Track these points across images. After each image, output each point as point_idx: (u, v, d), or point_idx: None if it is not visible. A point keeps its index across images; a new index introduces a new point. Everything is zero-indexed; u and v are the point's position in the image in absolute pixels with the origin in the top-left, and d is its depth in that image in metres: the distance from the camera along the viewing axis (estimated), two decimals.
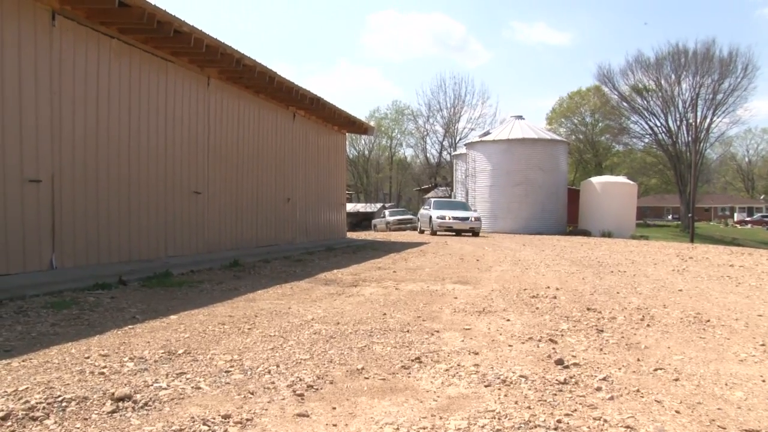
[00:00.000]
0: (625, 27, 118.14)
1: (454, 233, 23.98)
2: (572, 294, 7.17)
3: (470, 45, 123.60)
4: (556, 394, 3.28)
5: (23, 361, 3.76)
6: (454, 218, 23.67)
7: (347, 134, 20.15)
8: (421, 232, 26.69)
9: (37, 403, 2.94)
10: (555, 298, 6.81)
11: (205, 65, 10.76)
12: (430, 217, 24.39)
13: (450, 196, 39.80)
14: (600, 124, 63.04)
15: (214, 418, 2.82)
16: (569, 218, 31.50)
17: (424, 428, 2.76)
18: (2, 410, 2.81)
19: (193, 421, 2.78)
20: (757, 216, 73.23)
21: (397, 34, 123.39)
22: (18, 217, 7.04)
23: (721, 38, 71.40)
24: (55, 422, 2.74)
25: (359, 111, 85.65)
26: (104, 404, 2.97)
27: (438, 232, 24.11)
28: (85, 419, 2.80)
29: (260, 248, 12.85)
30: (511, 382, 3.47)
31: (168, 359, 3.88)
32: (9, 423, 2.72)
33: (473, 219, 24.02)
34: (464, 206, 26.46)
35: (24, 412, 2.82)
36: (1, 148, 6.80)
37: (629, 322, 5.42)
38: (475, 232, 23.88)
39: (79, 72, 7.95)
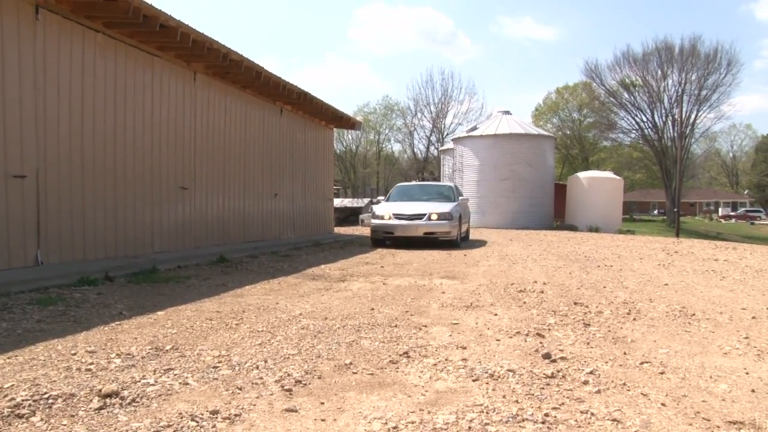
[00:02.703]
0: (612, 22, 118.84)
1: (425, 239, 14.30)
2: (559, 288, 7.21)
3: (458, 39, 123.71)
4: (543, 388, 3.30)
5: (8, 358, 3.73)
6: (402, 216, 14.18)
7: (335, 129, 20.11)
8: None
9: (23, 400, 2.91)
10: (542, 292, 6.84)
11: (191, 60, 10.70)
12: (373, 214, 15.15)
13: None
14: (587, 120, 63.34)
15: (202, 414, 2.81)
16: (556, 213, 31.64)
17: (412, 422, 2.77)
18: None
19: (181, 417, 2.77)
20: (741, 211, 73.97)
21: (384, 28, 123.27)
22: (2, 213, 6.97)
23: (706, 34, 72.03)
24: (42, 419, 2.72)
25: (348, 106, 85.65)
26: (91, 401, 2.95)
27: (385, 240, 14.67)
28: (72, 416, 2.78)
29: (247, 244, 12.81)
30: (499, 377, 3.49)
31: (155, 355, 3.86)
32: None
33: (441, 215, 14.05)
34: (443, 194, 16.24)
35: (9, 410, 2.79)
36: None
37: (616, 316, 5.45)
38: (450, 239, 14.15)
39: (63, 66, 7.87)
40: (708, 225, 56.00)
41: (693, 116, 48.19)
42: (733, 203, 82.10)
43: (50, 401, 2.93)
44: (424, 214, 14.07)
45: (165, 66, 10.12)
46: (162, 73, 10.06)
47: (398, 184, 17.72)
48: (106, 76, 8.68)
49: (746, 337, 4.67)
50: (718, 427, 2.80)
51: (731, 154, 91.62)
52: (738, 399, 3.21)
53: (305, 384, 3.33)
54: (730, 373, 3.68)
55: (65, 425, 2.67)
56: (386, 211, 14.52)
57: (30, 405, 2.87)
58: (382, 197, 17.58)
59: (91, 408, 2.87)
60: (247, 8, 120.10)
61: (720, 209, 79.27)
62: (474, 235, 20.02)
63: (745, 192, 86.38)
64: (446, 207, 14.51)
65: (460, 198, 16.19)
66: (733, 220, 66.21)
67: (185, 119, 10.75)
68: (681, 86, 47.32)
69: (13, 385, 3.17)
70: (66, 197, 7.94)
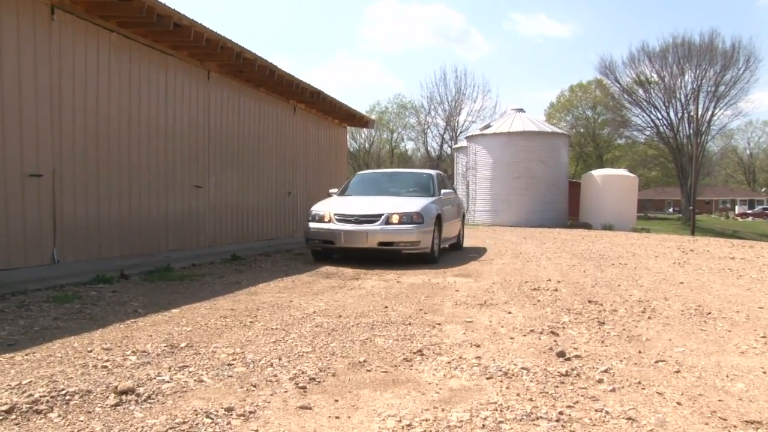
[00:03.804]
0: (626, 18, 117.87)
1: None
2: (573, 287, 7.18)
3: (470, 36, 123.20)
4: (557, 386, 3.29)
5: (26, 355, 3.77)
6: (347, 218, 9.93)
7: (348, 127, 20.12)
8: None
9: (40, 396, 2.95)
10: (556, 290, 6.81)
11: (205, 59, 10.74)
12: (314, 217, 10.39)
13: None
14: (601, 117, 62.94)
15: (217, 411, 2.83)
16: (570, 211, 31.48)
17: (426, 420, 2.77)
18: (6, 404, 2.82)
19: (197, 414, 2.79)
20: (758, 209, 73.20)
21: (395, 26, 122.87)
22: (19, 212, 7.04)
23: (723, 30, 71.11)
24: (59, 415, 2.75)
25: (360, 104, 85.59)
26: (107, 397, 2.98)
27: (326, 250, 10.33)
28: (89, 412, 2.81)
29: (261, 242, 12.85)
30: (513, 375, 3.48)
31: (170, 352, 3.89)
32: (13, 416, 2.73)
33: (405, 217, 9.78)
34: (421, 184, 11.72)
35: (28, 406, 2.83)
36: (2, 142, 6.80)
37: (630, 315, 5.42)
38: (420, 251, 9.90)
39: (78, 66, 7.94)
40: (724, 223, 55.48)
41: (709, 113, 47.75)
42: (750, 201, 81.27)
43: (67, 398, 2.96)
44: (381, 215, 9.61)
45: (179, 65, 10.17)
46: (176, 72, 10.11)
47: (359, 172, 12.97)
48: (120, 76, 8.74)
49: (763, 336, 4.63)
50: (735, 426, 2.78)
51: (748, 152, 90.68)
52: (755, 398, 3.18)
53: (319, 381, 3.34)
54: (747, 373, 3.65)
55: (82, 421, 2.70)
56: (326, 209, 10.11)
57: (48, 401, 2.90)
58: (335, 190, 12.08)
59: (107, 405, 2.90)
60: (257, 7, 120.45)
61: (737, 207, 78.50)
62: (487, 233, 19.79)
63: (763, 190, 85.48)
64: (415, 204, 10.04)
65: (443, 191, 11.38)
66: (750, 218, 65.57)
67: (199, 118, 10.80)
68: (697, 83, 46.89)
69: (31, 381, 3.20)
70: (81, 196, 8.01)
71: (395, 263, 9.83)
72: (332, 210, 10.10)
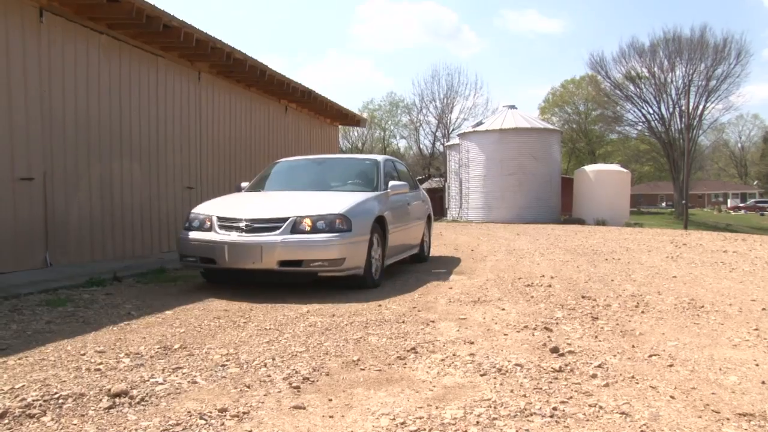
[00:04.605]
0: (617, 13, 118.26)
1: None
2: (567, 282, 7.19)
3: (462, 34, 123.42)
4: (551, 382, 3.29)
5: (19, 359, 3.76)
6: (235, 224, 6.51)
7: (340, 126, 20.12)
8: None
9: (33, 400, 2.93)
10: (550, 286, 6.83)
11: (195, 60, 10.72)
12: (191, 222, 6.91)
13: (445, 189, 37.35)
14: (593, 113, 63.07)
15: (210, 412, 2.83)
16: (563, 207, 31.55)
17: (420, 418, 2.77)
18: None
19: (190, 416, 2.78)
20: (750, 202, 73.53)
21: (387, 24, 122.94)
22: (10, 216, 7.01)
23: (715, 25, 71.23)
24: (52, 419, 2.74)
25: (352, 102, 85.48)
26: (101, 400, 2.97)
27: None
28: (82, 415, 2.80)
29: None
30: (507, 371, 3.49)
31: (164, 354, 3.88)
32: (6, 421, 2.72)
33: (321, 222, 6.41)
34: (364, 175, 8.30)
35: (21, 410, 2.81)
36: None
37: (624, 310, 5.44)
38: (348, 272, 6.54)
39: (68, 68, 7.91)
40: (717, 217, 55.70)
41: (701, 107, 47.89)
42: (742, 194, 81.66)
43: (60, 401, 2.95)
44: (285, 219, 6.43)
45: (169, 66, 10.15)
46: (166, 72, 10.09)
47: (281, 160, 9.28)
48: (110, 77, 8.71)
49: (756, 329, 4.65)
50: (728, 419, 2.79)
51: (739, 145, 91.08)
52: (748, 391, 3.19)
53: (313, 381, 3.34)
54: (740, 365, 3.67)
55: (75, 425, 2.69)
56: (211, 211, 6.89)
57: (41, 405, 2.89)
58: (246, 183, 8.82)
59: (100, 407, 2.89)
60: (247, 6, 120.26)
61: (729, 200, 78.85)
62: (480, 230, 19.71)
63: (755, 183, 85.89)
64: (340, 202, 6.84)
65: (392, 184, 7.99)
66: (742, 211, 65.88)
67: (190, 118, 10.78)
68: (688, 77, 47.02)
69: (24, 385, 3.19)
70: (73, 199, 7.98)
71: (308, 288, 6.64)
72: (214, 212, 6.74)
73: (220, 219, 6.62)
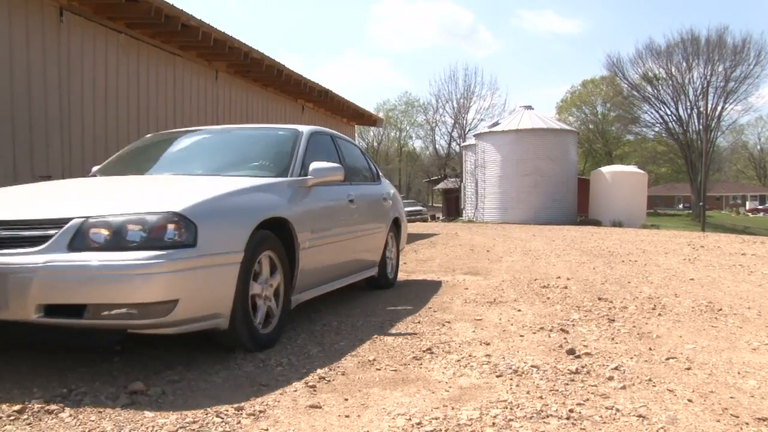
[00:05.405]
0: (635, 14, 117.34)
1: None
2: (583, 284, 7.15)
3: (479, 34, 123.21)
4: (567, 384, 3.28)
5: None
6: None
7: (356, 126, 20.14)
8: None
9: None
10: (566, 288, 6.79)
11: (213, 59, 10.78)
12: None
13: (461, 189, 36.87)
14: (610, 114, 62.67)
15: (227, 410, 2.84)
16: (579, 208, 31.38)
17: (436, 418, 2.77)
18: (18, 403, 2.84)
19: (206, 414, 2.80)
20: None
21: (403, 24, 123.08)
22: None
23: (733, 25, 70.50)
24: (70, 415, 2.77)
25: (368, 102, 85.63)
26: (119, 397, 3.00)
27: None
28: (100, 412, 2.83)
29: None
30: (523, 372, 3.47)
31: (180, 352, 3.90)
32: (25, 416, 2.75)
33: (126, 229, 3.14)
34: (267, 159, 5.02)
35: (39, 406, 2.85)
36: (12, 145, 6.85)
37: (641, 312, 5.40)
38: (200, 329, 3.39)
39: (87, 67, 7.99)
40: (735, 219, 55.16)
41: (719, 109, 47.45)
42: (761, 196, 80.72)
43: (78, 397, 2.99)
44: (61, 223, 3.21)
45: (187, 65, 10.21)
46: (184, 72, 10.16)
47: (153, 134, 6.58)
48: (128, 76, 8.79)
49: None
50: (747, 423, 2.76)
51: (759, 147, 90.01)
52: (767, 395, 3.16)
53: (329, 380, 3.35)
54: (759, 369, 3.62)
55: (93, 421, 2.71)
56: None
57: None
58: (98, 167, 5.49)
59: (118, 404, 2.92)
60: (264, 6, 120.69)
61: (747, 203, 78.00)
62: (496, 230, 19.62)
63: None
64: (183, 195, 3.64)
65: (314, 166, 4.79)
66: (761, 214, 65.15)
67: (207, 117, 10.83)
68: (707, 78, 46.59)
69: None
70: None
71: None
72: None
73: None
